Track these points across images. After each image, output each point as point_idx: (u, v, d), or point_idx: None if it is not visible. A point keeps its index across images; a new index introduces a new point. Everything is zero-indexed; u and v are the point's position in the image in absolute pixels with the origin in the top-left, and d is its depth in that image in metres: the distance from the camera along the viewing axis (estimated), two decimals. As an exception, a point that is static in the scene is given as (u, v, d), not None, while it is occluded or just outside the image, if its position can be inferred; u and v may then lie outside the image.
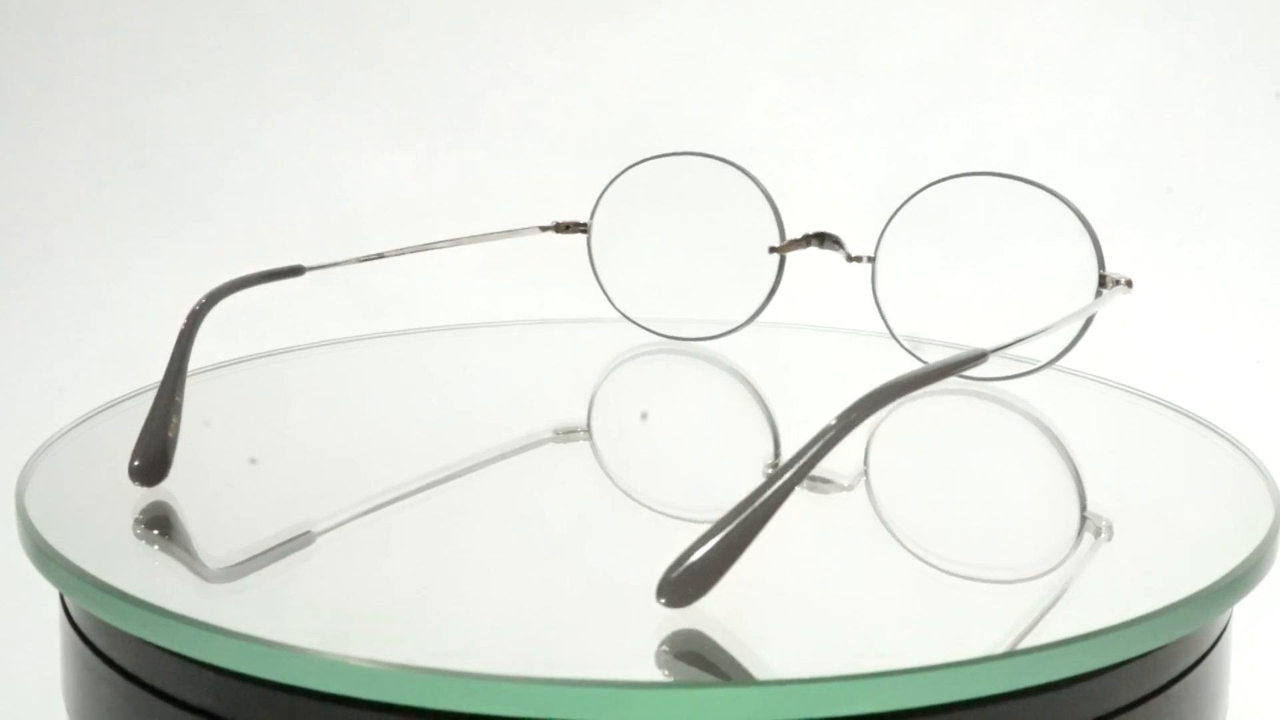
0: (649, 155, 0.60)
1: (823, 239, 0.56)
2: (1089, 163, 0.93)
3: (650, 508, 0.49)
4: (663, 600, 0.37)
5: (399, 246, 0.61)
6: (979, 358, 0.43)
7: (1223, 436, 0.52)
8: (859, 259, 0.55)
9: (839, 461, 0.48)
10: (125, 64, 0.98)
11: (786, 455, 0.49)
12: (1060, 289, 0.52)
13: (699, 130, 0.96)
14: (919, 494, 0.49)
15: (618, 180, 0.61)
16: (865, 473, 0.49)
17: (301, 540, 0.45)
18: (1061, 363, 0.54)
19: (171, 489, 0.47)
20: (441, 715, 0.35)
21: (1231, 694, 0.45)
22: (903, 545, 0.45)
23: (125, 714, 0.40)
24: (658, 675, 0.36)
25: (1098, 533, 0.45)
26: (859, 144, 0.95)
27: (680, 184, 0.60)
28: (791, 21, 0.97)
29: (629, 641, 0.39)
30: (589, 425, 0.56)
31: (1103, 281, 0.52)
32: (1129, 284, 0.51)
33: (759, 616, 0.40)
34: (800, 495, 0.43)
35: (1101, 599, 0.42)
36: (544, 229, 0.63)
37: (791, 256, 0.57)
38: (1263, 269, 0.91)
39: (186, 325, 0.52)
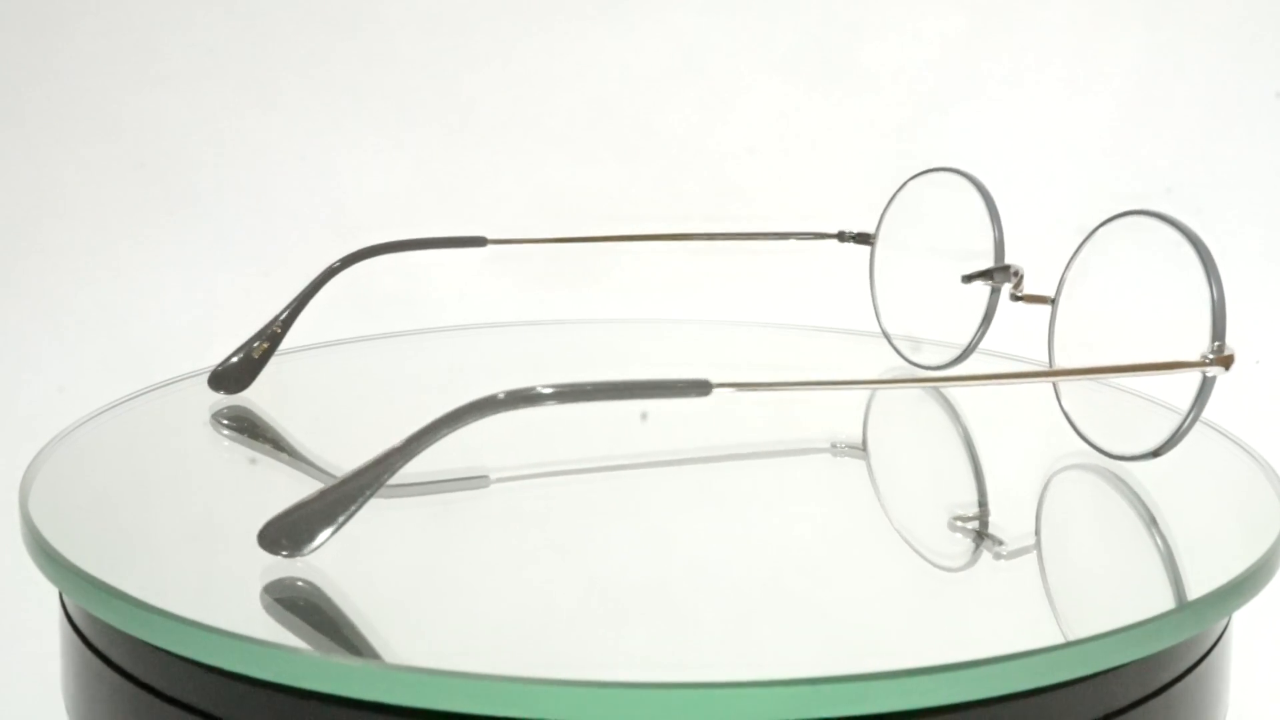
0: (922, 169, 0.60)
1: (991, 274, 0.55)
2: (1089, 163, 0.93)
3: (906, 538, 0.48)
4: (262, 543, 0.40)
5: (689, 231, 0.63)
6: (700, 386, 0.42)
7: (1226, 437, 0.52)
8: (1041, 299, 0.52)
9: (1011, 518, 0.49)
10: (125, 64, 0.98)
11: (996, 506, 0.50)
12: (1171, 345, 0.48)
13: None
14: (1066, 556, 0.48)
15: (897, 195, 0.61)
16: (1037, 537, 0.47)
17: (478, 481, 0.48)
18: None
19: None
20: (442, 715, 0.35)
21: (1231, 695, 0.45)
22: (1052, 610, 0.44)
23: (125, 714, 0.40)
24: (654, 676, 0.36)
25: None
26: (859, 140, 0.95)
27: (934, 202, 0.60)
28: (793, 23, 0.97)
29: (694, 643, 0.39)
30: (865, 446, 0.56)
31: (1212, 352, 0.47)
32: (1226, 364, 0.47)
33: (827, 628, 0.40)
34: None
35: (1102, 600, 0.42)
36: (826, 235, 0.63)
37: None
38: (1263, 269, 0.91)
39: (329, 270, 0.53)
